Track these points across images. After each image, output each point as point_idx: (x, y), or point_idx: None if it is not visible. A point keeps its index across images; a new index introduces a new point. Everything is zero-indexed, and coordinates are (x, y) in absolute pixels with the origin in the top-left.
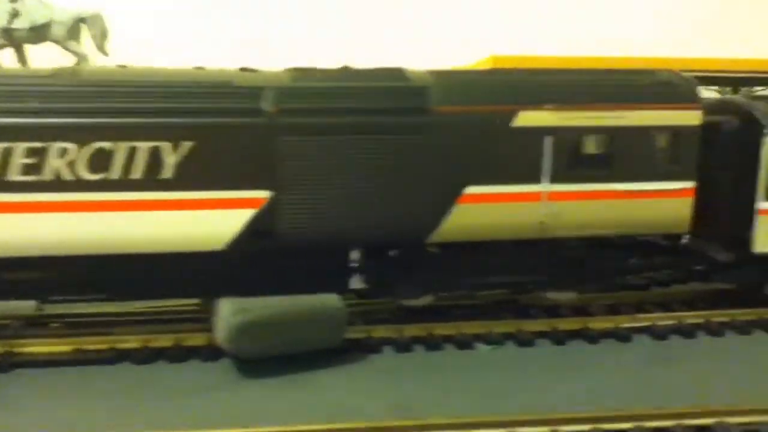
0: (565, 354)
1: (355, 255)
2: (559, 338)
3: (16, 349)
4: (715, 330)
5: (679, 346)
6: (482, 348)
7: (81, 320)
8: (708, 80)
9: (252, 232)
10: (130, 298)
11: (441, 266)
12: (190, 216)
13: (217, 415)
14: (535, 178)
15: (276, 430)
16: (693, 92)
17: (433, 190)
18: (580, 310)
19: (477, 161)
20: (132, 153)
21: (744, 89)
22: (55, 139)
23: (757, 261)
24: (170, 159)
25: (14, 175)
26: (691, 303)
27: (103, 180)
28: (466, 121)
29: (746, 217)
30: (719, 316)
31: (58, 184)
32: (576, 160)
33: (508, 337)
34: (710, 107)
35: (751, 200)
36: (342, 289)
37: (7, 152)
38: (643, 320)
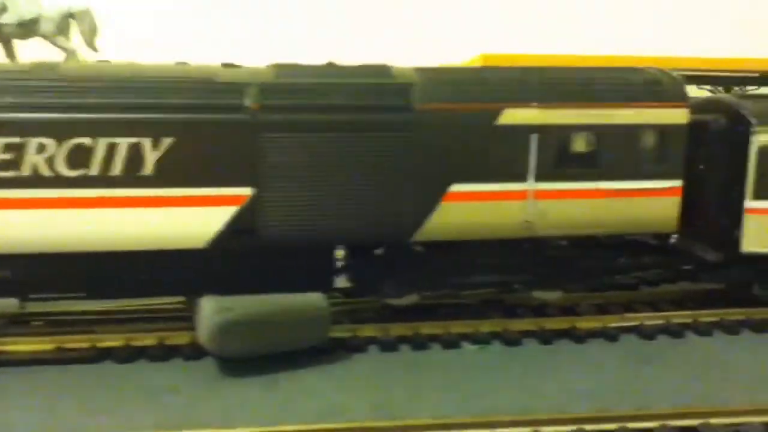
0: (552, 354)
1: (340, 253)
2: (546, 338)
3: None
4: (703, 330)
5: (667, 346)
6: (469, 347)
7: (63, 318)
8: (700, 79)
9: (234, 229)
10: (111, 296)
11: (426, 265)
12: (171, 213)
13: (199, 415)
14: (520, 177)
15: (258, 431)
16: (680, 91)
17: (417, 189)
18: (567, 310)
19: (462, 159)
20: (112, 149)
21: (736, 89)
22: (33, 134)
23: (745, 260)
24: (151, 155)
25: None
26: (679, 303)
27: (83, 176)
28: (451, 119)
29: (734, 216)
30: (707, 315)
31: (36, 180)
32: (562, 158)
33: (494, 336)
34: (698, 106)
35: (739, 199)
36: (326, 287)
37: None
38: (630, 320)
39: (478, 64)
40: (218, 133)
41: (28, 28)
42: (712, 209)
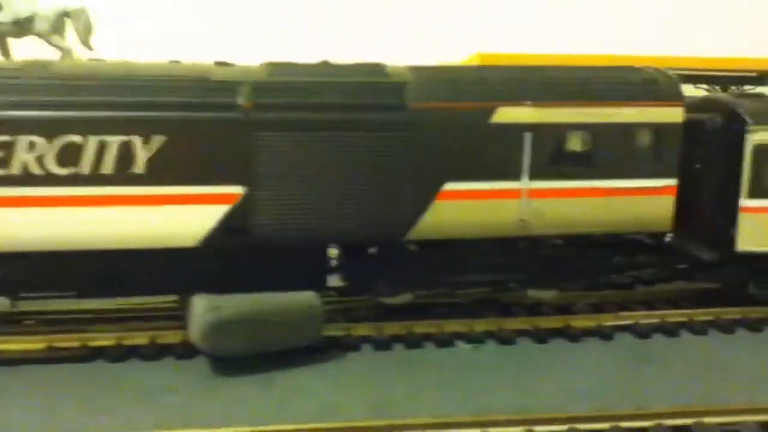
0: (547, 352)
1: (333, 253)
2: (541, 337)
3: None
4: (698, 329)
5: (662, 345)
6: (463, 346)
7: (55, 317)
8: (697, 79)
9: (226, 228)
10: (102, 295)
11: (420, 264)
12: (163, 212)
13: (193, 415)
14: (514, 175)
15: (250, 431)
16: (676, 89)
17: (410, 187)
18: (562, 309)
19: (455, 158)
20: (102, 147)
21: (733, 88)
22: (23, 132)
23: (740, 259)
24: (142, 154)
25: None
26: (675, 302)
27: (73, 174)
28: (445, 117)
29: (730, 215)
30: (703, 314)
31: (26, 179)
32: (556, 156)
33: (489, 335)
34: (694, 105)
35: (734, 198)
36: (320, 287)
37: None
38: (625, 319)
39: (474, 63)
40: (210, 131)
41: (23, 26)
42: (707, 208)
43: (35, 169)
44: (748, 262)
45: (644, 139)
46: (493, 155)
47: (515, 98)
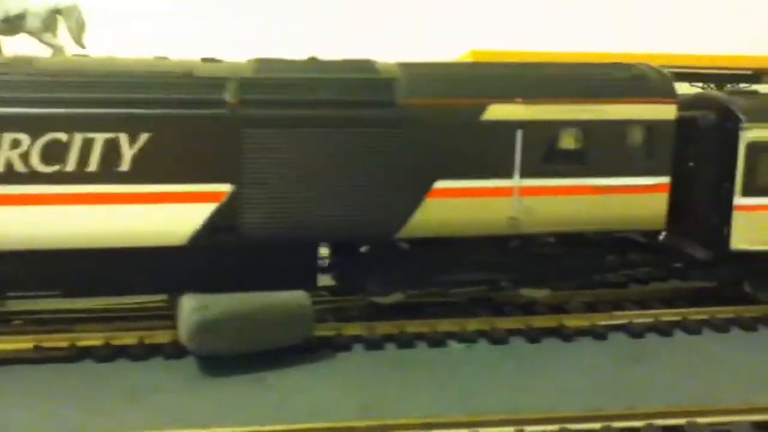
0: (540, 352)
1: (324, 252)
2: (534, 336)
3: None
4: (692, 328)
5: (656, 345)
6: (455, 346)
7: (42, 317)
8: (693, 77)
9: (214, 226)
10: (89, 294)
11: (411, 263)
12: (149, 210)
13: (179, 415)
14: (506, 173)
15: (241, 431)
16: (669, 86)
17: (401, 185)
18: (555, 308)
19: (446, 155)
20: (88, 144)
21: (728, 86)
22: (7, 129)
23: (734, 258)
24: (128, 151)
25: None
26: (668, 301)
27: (58, 172)
28: (435, 114)
29: (723, 213)
30: (697, 314)
31: (10, 177)
32: (548, 154)
33: (481, 334)
34: (687, 102)
35: (728, 196)
36: (310, 286)
37: None
38: (619, 318)
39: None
40: (197, 128)
41: (14, 23)
42: (701, 206)
43: (19, 167)
44: (743, 261)
45: (637, 136)
46: (485, 152)
47: (506, 95)
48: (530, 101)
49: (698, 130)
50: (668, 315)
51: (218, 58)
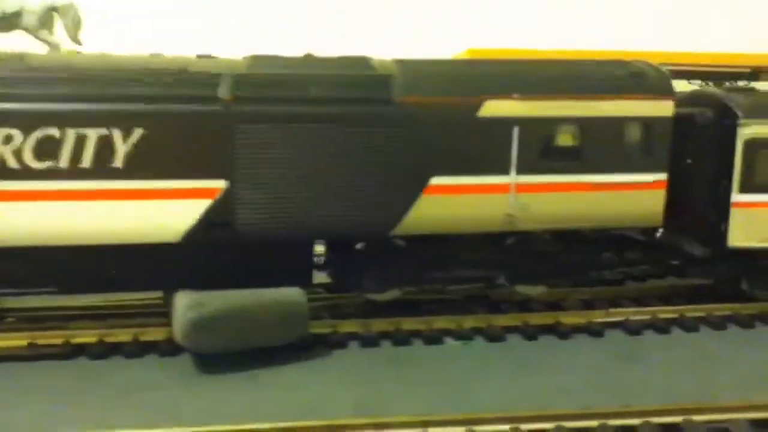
0: (536, 349)
1: (320, 249)
2: (531, 333)
3: None
4: (689, 326)
5: (653, 342)
6: (451, 343)
7: (37, 314)
8: (691, 75)
9: (208, 223)
10: (82, 291)
11: (407, 260)
12: (143, 207)
13: (174, 413)
14: (502, 170)
15: (232, 429)
16: (666, 83)
17: (397, 182)
18: (552, 305)
19: (442, 152)
20: (81, 140)
21: (726, 84)
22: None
23: (732, 255)
24: (122, 147)
25: None
26: (666, 298)
27: (51, 168)
28: (432, 111)
29: (721, 210)
30: (694, 311)
31: (3, 172)
32: (544, 151)
33: (477, 331)
34: (685, 99)
35: (726, 193)
36: (305, 283)
37: None
38: (616, 315)
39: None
40: (191, 124)
41: (10, 21)
42: (698, 203)
43: (12, 163)
44: (740, 258)
45: (634, 133)
46: (481, 149)
47: (503, 92)
48: (527, 98)
49: (696, 127)
50: (665, 312)
51: (213, 54)
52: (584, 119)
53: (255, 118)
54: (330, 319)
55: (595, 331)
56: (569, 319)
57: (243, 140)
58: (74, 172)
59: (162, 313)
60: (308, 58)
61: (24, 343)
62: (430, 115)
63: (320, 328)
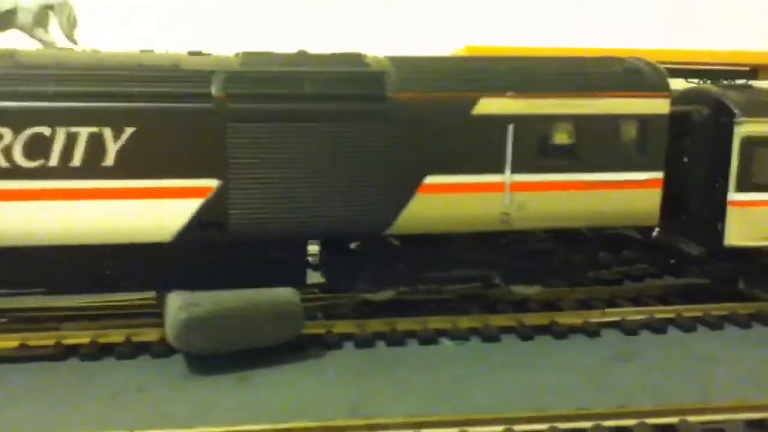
0: (532, 349)
1: (315, 248)
2: (527, 333)
3: None
4: (686, 325)
5: (649, 342)
6: (446, 343)
7: (28, 315)
8: (689, 73)
9: (201, 222)
10: (73, 292)
11: (402, 259)
12: (134, 206)
13: (166, 414)
14: (497, 168)
15: (225, 430)
16: (662, 80)
17: (391, 180)
18: (548, 305)
19: (437, 150)
20: (72, 139)
21: (725, 82)
22: None
23: (729, 254)
24: (112, 145)
25: None
26: (663, 298)
27: (41, 167)
28: (426, 108)
29: (717, 209)
30: (691, 311)
31: None
32: (539, 149)
33: (473, 332)
34: (681, 96)
35: (722, 192)
36: (300, 283)
37: None
38: (612, 315)
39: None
40: (183, 122)
41: (5, 19)
42: (694, 202)
43: (1, 162)
44: (737, 257)
45: (629, 130)
46: (476, 147)
47: (498, 89)
48: (522, 95)
49: (692, 125)
50: (662, 312)
51: (205, 51)
52: (579, 117)
53: (247, 116)
54: (324, 319)
55: (592, 331)
56: (565, 319)
57: (235, 138)
58: (65, 171)
59: (155, 314)
60: (301, 55)
61: (15, 344)
62: (424, 112)
63: (315, 328)
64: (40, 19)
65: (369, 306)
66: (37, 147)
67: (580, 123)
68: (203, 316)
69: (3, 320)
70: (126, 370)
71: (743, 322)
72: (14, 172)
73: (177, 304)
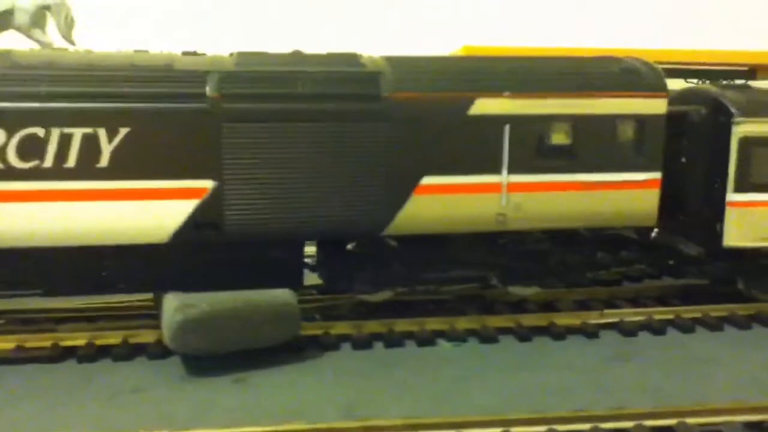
0: (530, 351)
1: (312, 249)
2: (524, 334)
3: None
4: (685, 326)
5: (648, 343)
6: (444, 345)
7: (25, 317)
8: (688, 73)
9: (196, 223)
10: (69, 293)
11: (399, 260)
12: (129, 207)
13: (163, 416)
14: (494, 169)
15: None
16: (659, 80)
17: (387, 181)
18: (546, 306)
19: (433, 150)
20: (66, 140)
21: (723, 82)
22: None
23: (727, 255)
24: (107, 146)
25: None
26: (662, 299)
27: (36, 168)
28: (422, 109)
29: (716, 209)
30: (690, 312)
31: None
32: (536, 149)
33: (471, 333)
34: (679, 96)
35: (720, 192)
36: (296, 284)
37: None
38: (611, 316)
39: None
40: (177, 123)
41: (2, 20)
42: (693, 202)
43: None
44: (736, 258)
45: (627, 130)
46: (472, 148)
47: (494, 89)
48: (518, 95)
49: (690, 125)
50: (661, 313)
51: (199, 51)
52: (576, 117)
53: (243, 116)
54: (322, 320)
55: (590, 332)
56: (563, 320)
57: (230, 139)
58: (59, 172)
59: (152, 315)
60: (296, 55)
61: (12, 345)
62: (420, 112)
63: (312, 329)
64: (38, 19)
65: (366, 307)
66: (32, 148)
67: (577, 123)
68: (199, 318)
69: (0, 322)
70: (123, 372)
71: (742, 323)
72: (8, 173)
73: (173, 305)
